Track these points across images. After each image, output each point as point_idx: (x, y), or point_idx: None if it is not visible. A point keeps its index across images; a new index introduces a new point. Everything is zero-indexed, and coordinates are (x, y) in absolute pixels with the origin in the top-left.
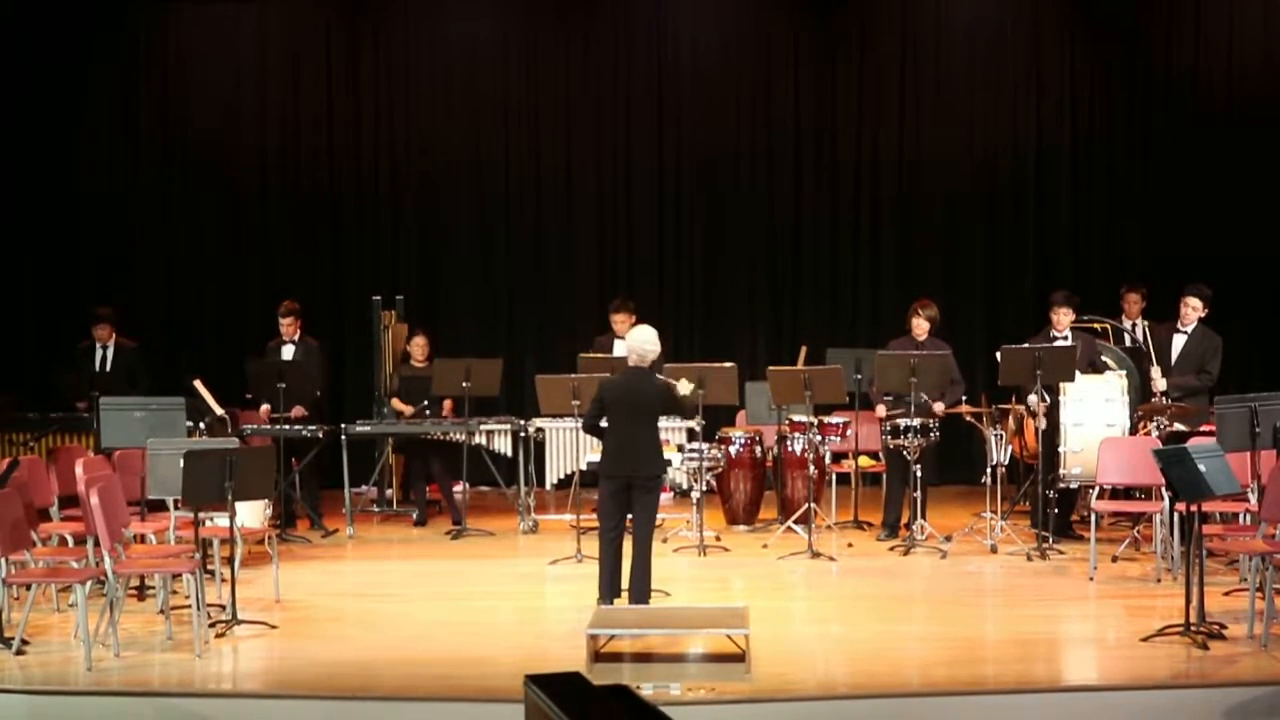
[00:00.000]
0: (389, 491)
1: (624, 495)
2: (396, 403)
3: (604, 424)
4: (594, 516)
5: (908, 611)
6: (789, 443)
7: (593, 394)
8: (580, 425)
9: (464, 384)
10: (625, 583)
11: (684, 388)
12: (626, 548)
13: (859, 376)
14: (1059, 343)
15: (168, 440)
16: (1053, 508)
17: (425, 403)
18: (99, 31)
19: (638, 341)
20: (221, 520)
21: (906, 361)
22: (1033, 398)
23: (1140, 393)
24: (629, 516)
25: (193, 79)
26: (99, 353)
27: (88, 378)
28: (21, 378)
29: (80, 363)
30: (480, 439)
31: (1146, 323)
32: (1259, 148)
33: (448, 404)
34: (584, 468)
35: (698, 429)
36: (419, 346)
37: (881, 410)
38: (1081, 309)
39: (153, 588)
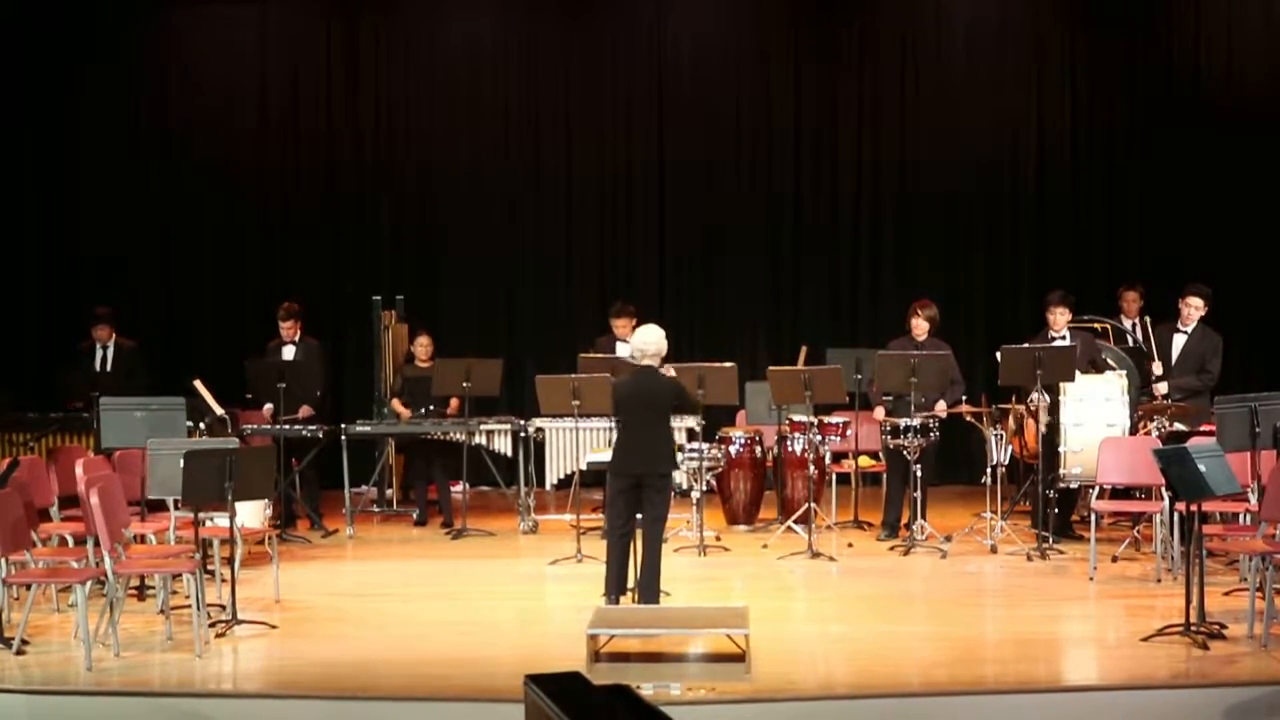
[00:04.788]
0: (389, 491)
1: (633, 494)
2: (396, 404)
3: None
4: (594, 516)
5: (908, 611)
6: (789, 443)
7: (603, 395)
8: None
9: (464, 384)
10: (631, 581)
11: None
12: (634, 546)
13: (859, 376)
14: (1058, 343)
15: (168, 440)
16: (1053, 508)
17: (425, 407)
18: (99, 31)
19: (638, 341)
20: (221, 520)
21: (906, 361)
22: (1034, 395)
23: (1140, 393)
24: (638, 515)
25: (193, 79)
26: (99, 353)
27: (88, 378)
28: (21, 378)
29: (80, 363)
30: (480, 439)
31: (1148, 319)
32: (1259, 148)
33: (454, 403)
34: (584, 468)
35: (698, 429)
36: (423, 346)
37: (880, 412)
38: (1081, 309)
39: (153, 588)
